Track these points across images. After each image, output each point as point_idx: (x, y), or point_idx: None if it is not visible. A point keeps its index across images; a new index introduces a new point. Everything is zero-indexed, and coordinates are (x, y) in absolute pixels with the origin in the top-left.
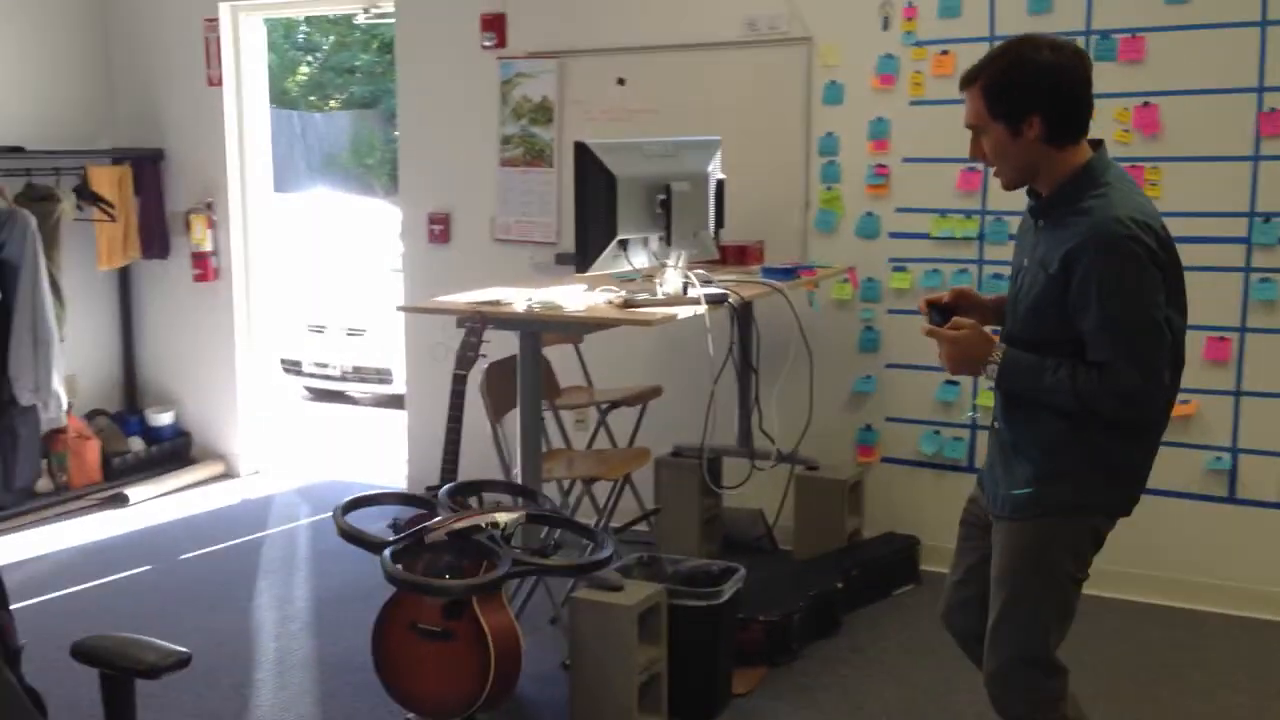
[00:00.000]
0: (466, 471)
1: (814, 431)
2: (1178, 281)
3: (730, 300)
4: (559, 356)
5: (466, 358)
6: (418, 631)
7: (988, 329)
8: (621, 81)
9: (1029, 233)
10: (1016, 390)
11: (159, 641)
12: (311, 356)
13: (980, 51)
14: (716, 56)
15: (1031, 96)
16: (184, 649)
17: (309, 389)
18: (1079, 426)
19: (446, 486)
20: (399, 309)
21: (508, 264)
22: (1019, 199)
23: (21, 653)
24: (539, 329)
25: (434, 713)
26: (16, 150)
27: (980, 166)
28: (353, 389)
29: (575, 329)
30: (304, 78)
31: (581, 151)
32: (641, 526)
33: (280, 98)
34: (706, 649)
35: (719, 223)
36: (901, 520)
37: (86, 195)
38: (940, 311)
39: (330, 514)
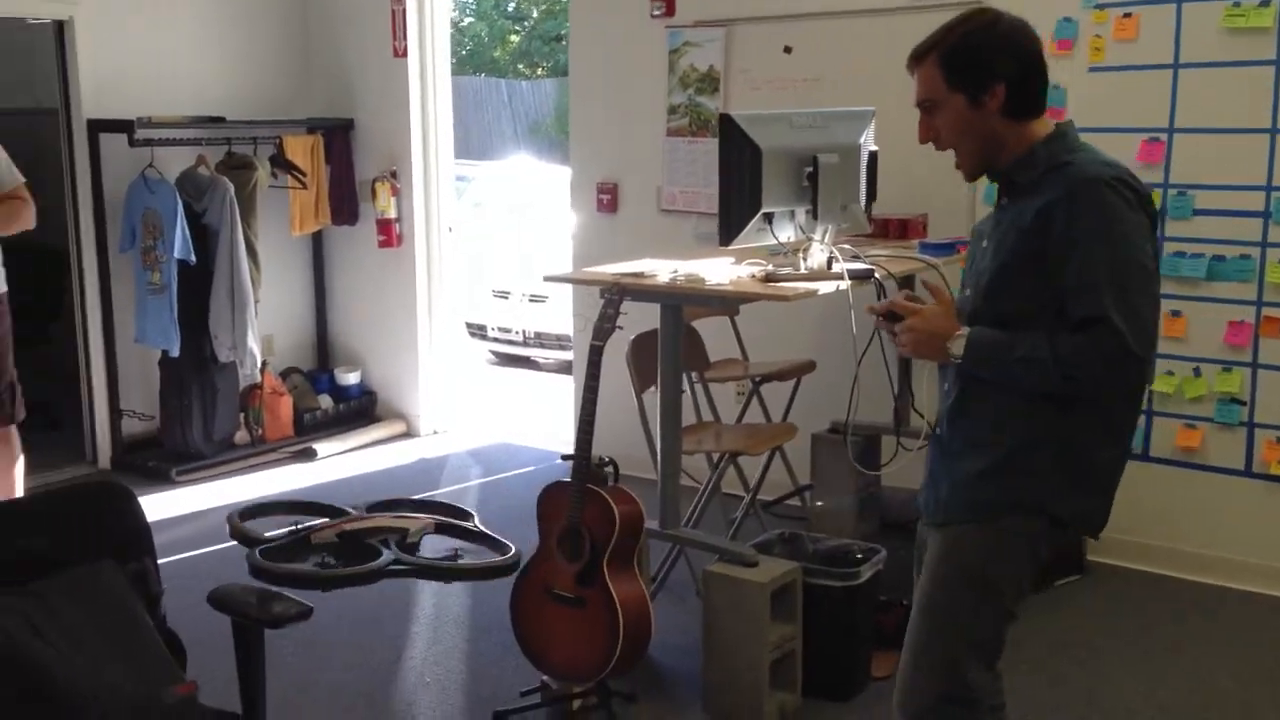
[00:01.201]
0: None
1: None
2: (1155, 247)
3: (877, 276)
4: (714, 329)
5: (604, 329)
6: (552, 596)
7: None
8: (788, 50)
9: (987, 228)
10: (984, 370)
11: (288, 593)
12: (495, 321)
13: (1165, 15)
14: (886, 23)
15: (994, 64)
16: (308, 604)
17: (494, 353)
18: (1042, 414)
19: (376, 500)
20: (545, 279)
21: (673, 234)
22: (1206, 169)
23: (161, 597)
24: (678, 302)
25: (565, 676)
26: (218, 120)
27: (1163, 136)
28: (536, 354)
29: (713, 302)
30: (513, 46)
31: (726, 123)
32: (794, 502)
33: (489, 66)
34: (843, 630)
35: (871, 196)
36: None
37: (281, 163)
38: (893, 318)
39: (499, 475)
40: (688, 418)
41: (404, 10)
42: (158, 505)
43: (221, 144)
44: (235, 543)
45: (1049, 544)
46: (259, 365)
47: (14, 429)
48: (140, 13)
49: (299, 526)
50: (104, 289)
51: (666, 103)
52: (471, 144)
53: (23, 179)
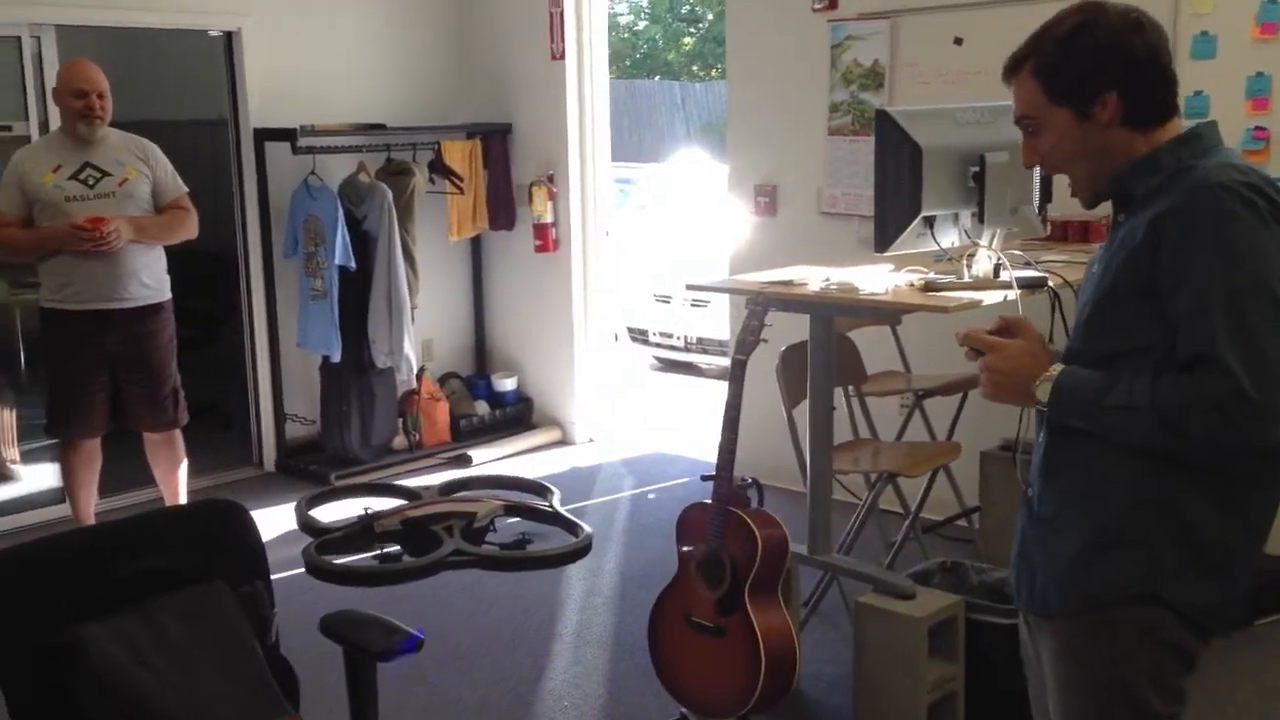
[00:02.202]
0: (754, 459)
1: None
2: None
3: (1050, 285)
4: (875, 339)
5: (746, 341)
6: (691, 624)
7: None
8: (958, 41)
9: (1101, 251)
10: (1074, 419)
11: (395, 623)
12: (657, 326)
13: None
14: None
15: (1101, 68)
16: (416, 632)
17: (657, 359)
18: (1143, 473)
19: (451, 480)
20: (688, 286)
21: (834, 238)
22: None
23: (272, 621)
24: (828, 312)
25: (702, 710)
26: (378, 127)
27: None
28: (698, 360)
29: (865, 313)
30: (687, 48)
31: (883, 120)
32: (963, 523)
33: (663, 68)
34: (1010, 672)
35: (1045, 197)
36: (1273, 538)
37: (438, 169)
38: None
39: (648, 490)
40: (843, 433)
41: (561, 13)
42: (317, 510)
43: (381, 150)
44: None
45: (1183, 633)
46: (415, 371)
47: (178, 433)
48: (304, 23)
49: (366, 512)
50: (269, 294)
51: (828, 100)
52: (645, 147)
53: (186, 189)
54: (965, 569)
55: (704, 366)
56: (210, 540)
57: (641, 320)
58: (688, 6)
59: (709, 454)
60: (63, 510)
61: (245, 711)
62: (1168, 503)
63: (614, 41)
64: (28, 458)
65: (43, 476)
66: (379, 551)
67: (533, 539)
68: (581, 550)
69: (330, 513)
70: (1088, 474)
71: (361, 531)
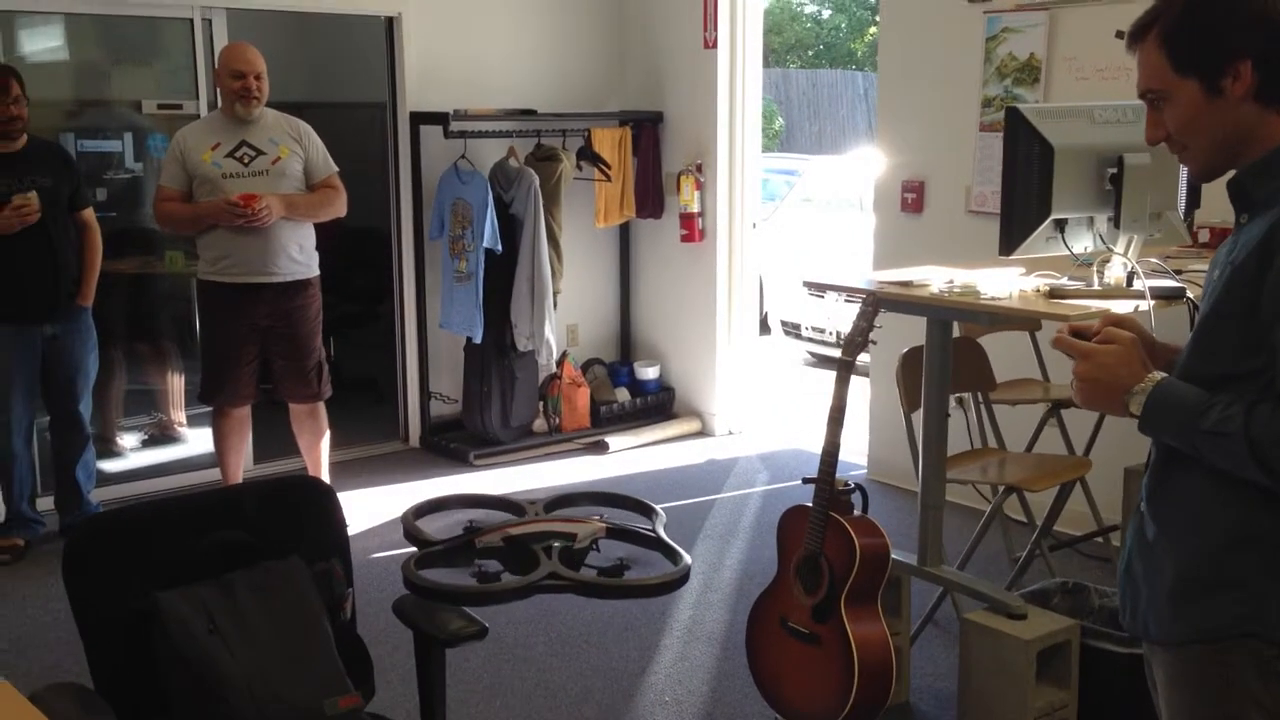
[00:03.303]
0: (886, 459)
1: None
2: None
3: (1189, 296)
4: (1012, 345)
5: (855, 342)
6: (786, 629)
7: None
8: (1120, 35)
9: (1222, 255)
10: (1169, 438)
11: (468, 612)
12: (810, 320)
13: None
14: None
15: (1235, 35)
16: (484, 623)
17: (810, 353)
18: (1258, 509)
19: (557, 495)
20: (804, 283)
21: (981, 237)
22: None
23: (347, 600)
24: (943, 316)
25: (795, 717)
26: (529, 113)
27: None
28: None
29: (980, 318)
30: (871, 38)
31: (1013, 117)
32: (1100, 540)
33: (846, 59)
34: (1126, 703)
35: (1193, 203)
36: None
37: (587, 155)
38: None
39: (785, 484)
40: (967, 442)
41: (715, 1)
42: (453, 487)
43: (531, 136)
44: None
45: None
46: (555, 355)
47: (321, 405)
48: (462, 8)
49: (470, 525)
50: (419, 274)
51: (980, 95)
52: (825, 138)
53: (336, 169)
54: (1088, 591)
55: (859, 364)
56: (293, 517)
57: (795, 314)
58: None
59: (851, 452)
60: (217, 474)
61: (305, 686)
62: (1276, 542)
63: (798, 30)
64: (193, 422)
65: (205, 440)
66: (477, 567)
67: (631, 565)
68: (678, 581)
69: (436, 522)
70: (1187, 503)
71: (463, 546)
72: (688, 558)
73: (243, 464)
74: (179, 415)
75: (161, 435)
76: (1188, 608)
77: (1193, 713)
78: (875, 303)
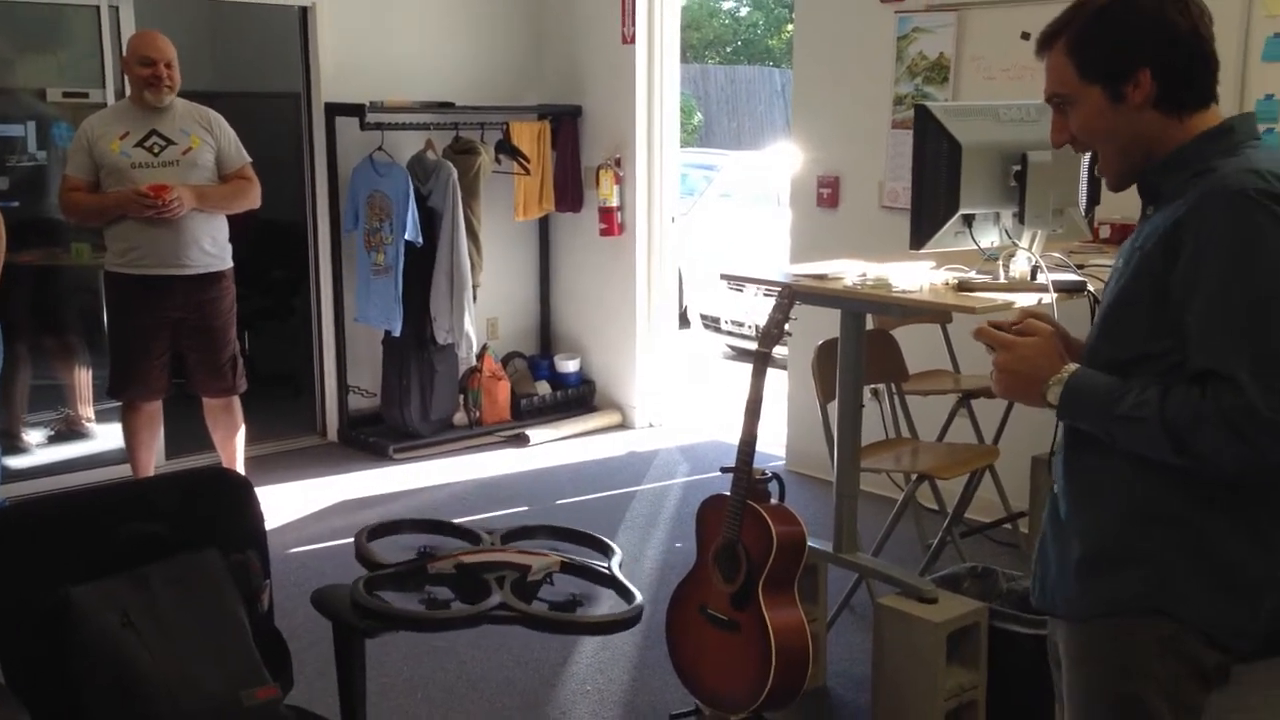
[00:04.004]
0: (803, 449)
1: None
2: None
3: (1090, 289)
4: (924, 337)
5: (771, 334)
6: (705, 616)
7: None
8: (1025, 36)
9: (1128, 245)
10: (1086, 425)
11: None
12: (729, 314)
13: None
14: None
15: (1137, 46)
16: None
17: (730, 347)
18: (1168, 491)
19: (514, 527)
20: (721, 276)
21: (894, 232)
22: None
23: (264, 593)
24: (856, 308)
25: (713, 703)
26: (447, 106)
27: None
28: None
29: (892, 310)
30: (790, 35)
31: (922, 116)
32: (1009, 527)
33: (763, 56)
34: (1033, 683)
35: (1093, 199)
36: None
37: (505, 149)
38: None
39: (705, 475)
40: (880, 432)
41: None
42: (373, 481)
43: (449, 129)
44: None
45: (1201, 648)
46: (475, 349)
47: (236, 400)
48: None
49: (425, 550)
50: (335, 267)
51: (892, 93)
52: (744, 134)
53: (249, 159)
54: (996, 575)
55: (775, 356)
56: (208, 509)
57: (715, 308)
58: None
59: (768, 443)
60: (129, 470)
61: (224, 678)
62: (1184, 521)
63: (716, 27)
64: (101, 417)
65: (115, 436)
66: (427, 593)
67: (584, 601)
68: (630, 620)
69: (389, 546)
70: (1097, 482)
71: (414, 571)
72: (640, 597)
73: (154, 459)
74: (87, 411)
75: (69, 431)
76: (1094, 583)
77: (1092, 690)
78: (791, 295)
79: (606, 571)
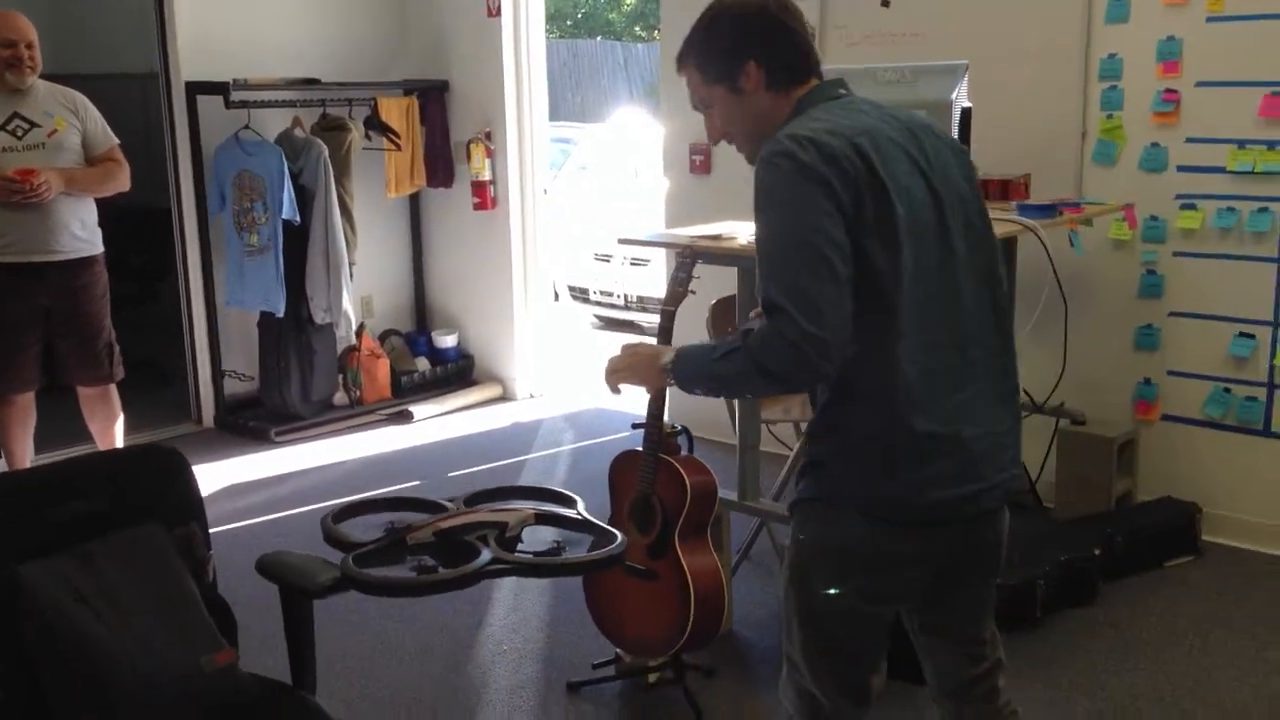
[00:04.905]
0: (690, 412)
1: (1085, 384)
2: (883, 209)
3: None
4: None
5: (676, 293)
6: (624, 568)
7: None
8: (886, 3)
9: None
10: (697, 384)
11: (329, 562)
12: (597, 285)
13: None
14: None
15: (738, 44)
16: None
17: (598, 317)
18: (827, 405)
19: (475, 491)
20: (619, 240)
21: None
22: None
23: (208, 563)
24: (752, 265)
25: (638, 649)
26: (313, 82)
27: None
28: (638, 318)
29: None
30: (629, 8)
31: None
32: None
33: (605, 29)
34: None
35: None
36: (1182, 485)
37: (375, 125)
38: None
39: (591, 441)
40: None
41: None
42: (256, 465)
43: (316, 106)
44: (351, 499)
45: (864, 537)
46: (354, 327)
47: (113, 388)
48: None
49: (394, 526)
50: (204, 250)
51: None
52: (587, 107)
53: (117, 141)
54: None
55: (645, 325)
56: (146, 484)
57: (582, 279)
58: None
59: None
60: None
61: (182, 647)
62: (835, 417)
63: (557, 1)
64: None
65: None
66: (415, 563)
67: (566, 546)
68: (619, 556)
69: (352, 528)
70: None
71: (393, 545)
72: (620, 535)
73: (29, 453)
74: None
75: None
76: (797, 492)
77: (785, 574)
78: (693, 255)
79: (579, 517)
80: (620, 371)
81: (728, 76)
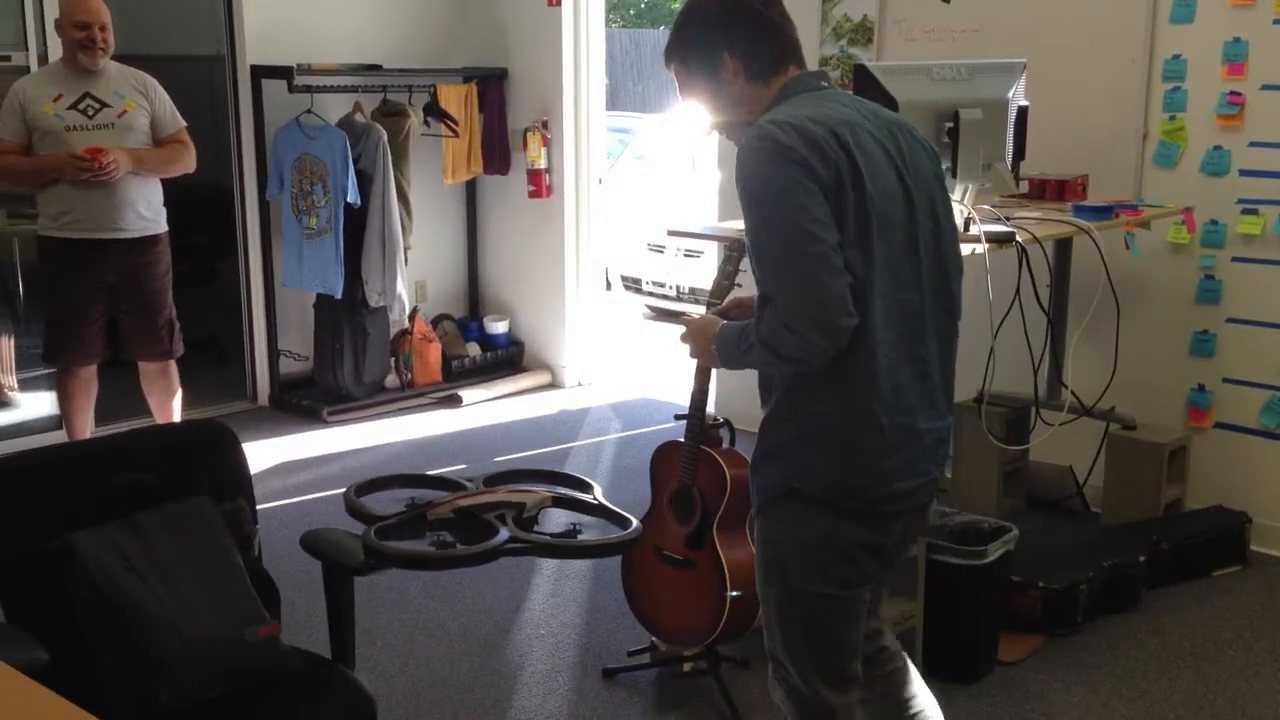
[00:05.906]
0: (735, 404)
1: (1137, 389)
2: (859, 199)
3: (1018, 239)
4: None
5: (722, 286)
6: (661, 557)
7: None
8: (946, 0)
9: None
10: (735, 365)
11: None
12: (650, 275)
13: None
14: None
15: (712, 38)
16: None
17: (651, 308)
18: (789, 392)
19: (494, 472)
20: (669, 233)
21: None
22: None
23: (254, 537)
24: None
25: (673, 639)
26: (374, 68)
27: None
28: (689, 309)
29: None
30: None
31: (860, 74)
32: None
33: (668, 19)
34: (967, 610)
35: (1019, 154)
36: (1234, 494)
37: (434, 112)
38: None
39: (638, 430)
40: None
41: None
42: (308, 444)
43: (377, 92)
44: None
45: (839, 528)
46: (407, 311)
47: (173, 364)
48: None
49: (415, 502)
50: (264, 231)
51: (818, 55)
52: (649, 97)
53: (184, 123)
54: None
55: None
56: (197, 459)
57: (636, 269)
58: None
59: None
60: (59, 437)
61: (227, 618)
62: (800, 408)
63: None
64: (25, 385)
65: (39, 404)
66: (434, 539)
67: (582, 529)
68: (633, 541)
69: (373, 502)
70: (768, 396)
71: (413, 520)
72: (635, 520)
73: (90, 425)
74: (9, 379)
75: None
76: (755, 481)
77: (761, 571)
78: (740, 248)
79: (595, 502)
80: (685, 340)
81: (708, 68)
